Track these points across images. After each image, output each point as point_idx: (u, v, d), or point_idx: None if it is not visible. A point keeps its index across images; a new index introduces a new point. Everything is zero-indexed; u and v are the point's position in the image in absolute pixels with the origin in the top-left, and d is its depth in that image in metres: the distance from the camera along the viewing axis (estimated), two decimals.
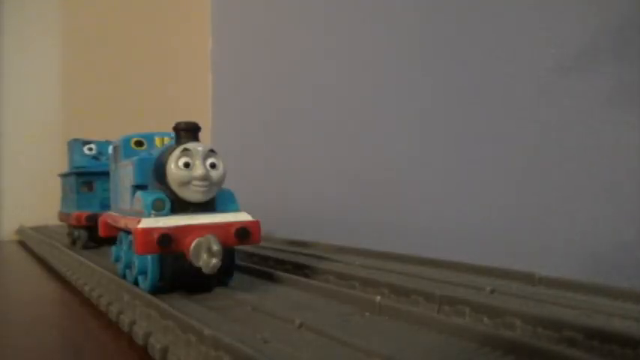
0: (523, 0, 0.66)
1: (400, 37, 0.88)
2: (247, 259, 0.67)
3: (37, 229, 1.14)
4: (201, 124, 0.48)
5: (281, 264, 0.62)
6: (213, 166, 0.46)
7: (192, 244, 0.43)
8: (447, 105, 0.79)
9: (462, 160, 0.76)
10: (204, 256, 0.42)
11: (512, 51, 0.70)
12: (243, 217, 0.48)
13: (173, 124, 0.48)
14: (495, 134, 0.70)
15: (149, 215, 0.45)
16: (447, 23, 0.77)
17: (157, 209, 0.45)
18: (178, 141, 0.47)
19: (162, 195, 0.46)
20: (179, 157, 0.45)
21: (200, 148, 0.46)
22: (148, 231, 0.42)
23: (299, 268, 0.58)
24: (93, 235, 0.81)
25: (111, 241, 0.59)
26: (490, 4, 0.69)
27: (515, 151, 0.69)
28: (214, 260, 0.41)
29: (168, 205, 0.46)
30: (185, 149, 0.46)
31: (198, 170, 0.45)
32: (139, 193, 0.47)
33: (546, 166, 0.65)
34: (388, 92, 0.90)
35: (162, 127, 0.64)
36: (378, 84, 0.93)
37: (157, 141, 0.59)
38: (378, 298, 0.39)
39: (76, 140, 0.89)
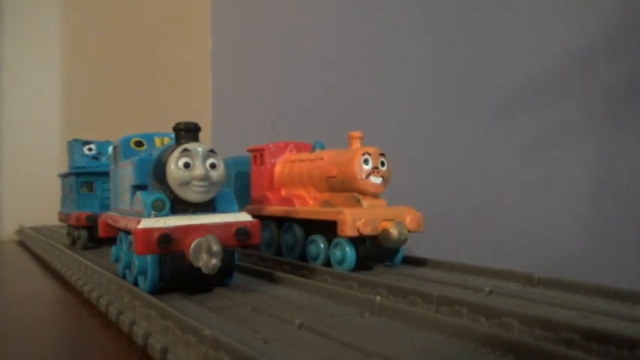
0: None
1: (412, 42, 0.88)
2: (247, 259, 0.68)
3: (37, 229, 1.14)
4: (201, 124, 0.49)
5: (280, 264, 0.62)
6: (213, 166, 0.46)
7: (192, 245, 0.43)
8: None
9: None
10: (204, 256, 0.42)
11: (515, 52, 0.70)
12: (243, 217, 0.48)
13: (173, 125, 0.48)
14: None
15: (149, 215, 0.45)
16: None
17: (157, 209, 0.45)
18: (178, 141, 0.47)
19: (162, 195, 0.46)
20: (179, 158, 0.45)
21: (200, 149, 0.46)
22: (147, 231, 0.42)
23: (298, 269, 0.58)
24: (93, 235, 0.81)
25: (111, 241, 0.59)
26: None
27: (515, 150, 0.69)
28: (214, 260, 0.41)
29: (168, 205, 0.46)
30: (185, 149, 0.46)
31: (198, 170, 0.45)
32: (138, 194, 0.48)
33: (546, 166, 0.66)
34: (389, 95, 0.90)
35: (162, 127, 0.64)
36: (381, 81, 0.93)
37: (157, 141, 0.59)
38: (378, 298, 0.39)
39: (76, 140, 0.89)
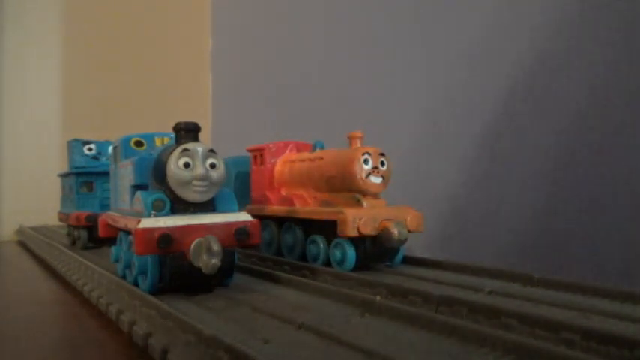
0: None
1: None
2: (247, 259, 0.68)
3: (37, 229, 1.14)
4: (201, 124, 0.49)
5: (280, 264, 0.62)
6: (212, 166, 0.46)
7: (192, 244, 0.43)
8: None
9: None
10: (204, 256, 0.42)
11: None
12: (243, 217, 0.48)
13: (173, 125, 0.48)
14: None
15: (149, 215, 0.45)
16: None
17: (157, 209, 0.45)
18: (178, 141, 0.47)
19: (162, 195, 0.46)
20: (179, 158, 0.45)
21: (200, 149, 0.46)
22: (147, 231, 0.42)
23: (298, 269, 0.58)
24: (93, 235, 0.81)
25: (111, 241, 0.59)
26: None
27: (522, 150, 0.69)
28: (214, 260, 0.41)
29: (168, 205, 0.46)
30: (185, 149, 0.46)
31: (198, 170, 0.45)
32: (138, 193, 0.48)
33: (550, 168, 0.66)
34: (389, 95, 0.90)
35: (162, 127, 0.64)
36: (381, 81, 0.93)
37: (157, 141, 0.59)
38: (378, 298, 0.39)
39: (76, 140, 0.89)
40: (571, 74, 0.63)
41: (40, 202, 1.22)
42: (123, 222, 0.50)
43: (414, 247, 0.68)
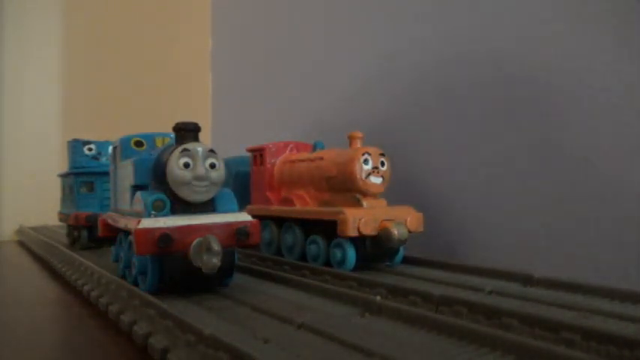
0: None
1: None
2: (247, 259, 0.68)
3: (37, 229, 1.14)
4: (201, 124, 0.49)
5: (280, 264, 0.62)
6: (212, 166, 0.46)
7: (192, 244, 0.43)
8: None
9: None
10: (204, 256, 0.42)
11: None
12: (243, 217, 0.48)
13: (173, 125, 0.48)
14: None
15: (149, 215, 0.45)
16: None
17: (157, 209, 0.45)
18: (178, 141, 0.47)
19: (162, 195, 0.46)
20: (179, 158, 0.45)
21: (200, 149, 0.46)
22: (147, 231, 0.42)
23: (298, 269, 0.58)
24: (93, 235, 0.81)
25: (111, 241, 0.59)
26: None
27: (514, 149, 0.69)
28: (214, 260, 0.41)
29: (168, 205, 0.46)
30: (185, 149, 0.46)
31: (198, 170, 0.45)
32: (138, 194, 0.48)
33: (545, 165, 0.66)
34: (389, 95, 0.90)
35: (162, 127, 0.64)
36: (382, 81, 0.93)
37: (157, 141, 0.59)
38: (378, 298, 0.39)
39: (76, 140, 0.89)
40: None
41: (40, 202, 1.22)
42: (123, 222, 0.50)
43: (413, 248, 0.68)
